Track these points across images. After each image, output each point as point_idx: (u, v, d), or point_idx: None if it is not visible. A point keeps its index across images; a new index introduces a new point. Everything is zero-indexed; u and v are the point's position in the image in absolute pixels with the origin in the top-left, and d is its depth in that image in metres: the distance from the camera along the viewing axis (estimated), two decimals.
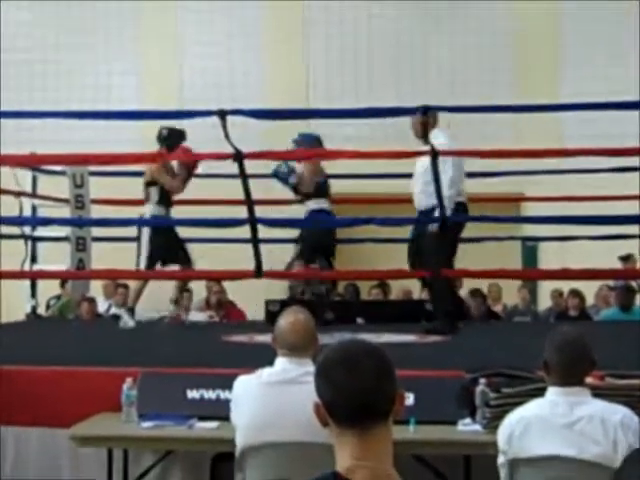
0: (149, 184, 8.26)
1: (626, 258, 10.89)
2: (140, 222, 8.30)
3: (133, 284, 8.45)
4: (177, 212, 8.40)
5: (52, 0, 14.05)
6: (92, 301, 10.42)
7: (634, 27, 12.87)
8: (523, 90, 13.06)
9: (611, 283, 10.74)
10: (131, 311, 8.33)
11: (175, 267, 8.33)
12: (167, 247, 8.13)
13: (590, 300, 11.10)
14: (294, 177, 8.27)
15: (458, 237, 7.66)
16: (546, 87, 13.15)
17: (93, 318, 10.38)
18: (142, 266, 8.13)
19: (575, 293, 10.70)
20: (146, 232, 8.13)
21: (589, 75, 13.15)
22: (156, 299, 8.80)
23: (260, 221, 6.80)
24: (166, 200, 8.25)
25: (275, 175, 8.25)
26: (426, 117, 7.44)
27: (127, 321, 8.24)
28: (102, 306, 11.05)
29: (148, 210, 8.27)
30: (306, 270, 8.39)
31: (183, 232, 8.44)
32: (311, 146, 8.27)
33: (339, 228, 9.20)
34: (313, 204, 8.39)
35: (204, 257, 8.32)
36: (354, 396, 2.08)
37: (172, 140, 8.28)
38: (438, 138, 7.42)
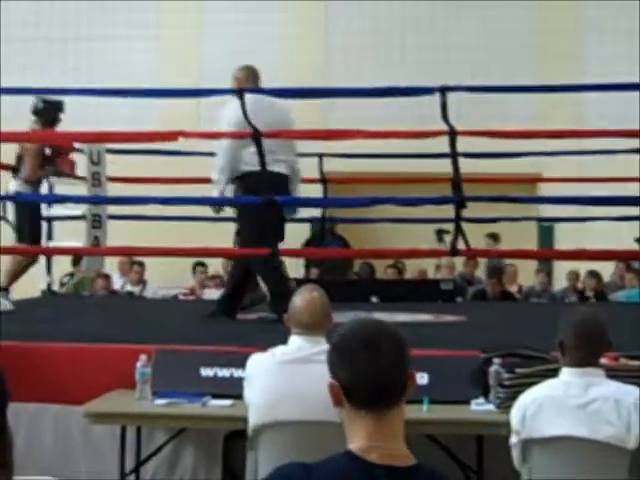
0: None
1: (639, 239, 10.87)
2: (162, 200, 8.04)
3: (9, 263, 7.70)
4: (191, 191, 8.24)
5: None
6: (107, 277, 10.44)
7: None
8: (546, 70, 12.95)
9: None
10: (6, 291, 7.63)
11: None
12: None
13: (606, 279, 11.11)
14: None
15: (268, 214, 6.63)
16: (570, 67, 13.04)
17: (108, 295, 10.41)
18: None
19: (592, 274, 10.68)
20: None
21: (613, 55, 13.04)
22: (170, 276, 8.76)
23: (277, 200, 6.75)
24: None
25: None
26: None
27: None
28: (117, 283, 11.09)
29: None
30: (322, 249, 8.31)
31: (197, 211, 8.40)
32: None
33: (356, 208, 9.17)
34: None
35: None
36: (375, 381, 2.07)
37: (49, 114, 7.77)
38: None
